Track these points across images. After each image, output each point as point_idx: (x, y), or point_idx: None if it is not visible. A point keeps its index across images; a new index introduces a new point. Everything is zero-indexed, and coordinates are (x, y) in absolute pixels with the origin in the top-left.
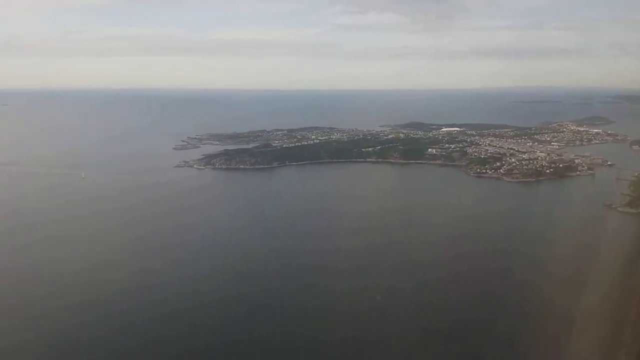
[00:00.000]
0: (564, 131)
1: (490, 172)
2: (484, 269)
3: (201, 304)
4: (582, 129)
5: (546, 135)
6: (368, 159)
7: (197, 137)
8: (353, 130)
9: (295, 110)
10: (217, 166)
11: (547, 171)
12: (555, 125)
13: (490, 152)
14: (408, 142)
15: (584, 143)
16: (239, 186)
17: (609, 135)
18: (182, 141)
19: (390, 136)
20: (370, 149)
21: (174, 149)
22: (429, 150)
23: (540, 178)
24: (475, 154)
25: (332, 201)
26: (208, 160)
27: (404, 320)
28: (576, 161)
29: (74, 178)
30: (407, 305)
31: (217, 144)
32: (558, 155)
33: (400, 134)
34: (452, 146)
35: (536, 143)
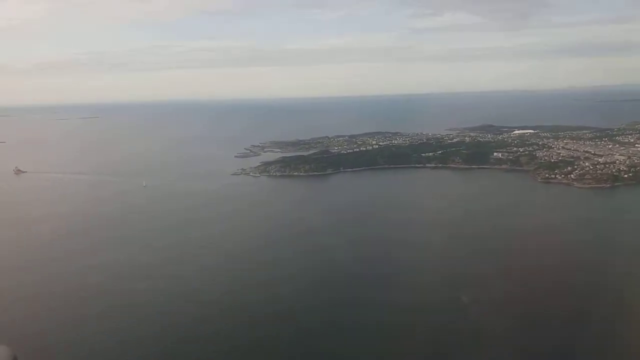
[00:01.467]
0: None
1: (559, 178)
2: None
3: None
4: None
5: (630, 137)
6: (428, 165)
7: (260, 144)
8: (417, 135)
9: (365, 116)
10: (272, 174)
11: (625, 176)
12: None
13: (562, 156)
14: (472, 146)
15: None
16: (285, 193)
17: None
18: (245, 149)
19: (454, 140)
20: (430, 153)
21: (235, 157)
22: (494, 154)
23: (617, 184)
24: (545, 158)
25: (370, 209)
26: (264, 167)
27: None
28: None
29: (136, 186)
30: None
31: (277, 152)
32: None
33: (466, 138)
34: (521, 150)
35: (617, 145)
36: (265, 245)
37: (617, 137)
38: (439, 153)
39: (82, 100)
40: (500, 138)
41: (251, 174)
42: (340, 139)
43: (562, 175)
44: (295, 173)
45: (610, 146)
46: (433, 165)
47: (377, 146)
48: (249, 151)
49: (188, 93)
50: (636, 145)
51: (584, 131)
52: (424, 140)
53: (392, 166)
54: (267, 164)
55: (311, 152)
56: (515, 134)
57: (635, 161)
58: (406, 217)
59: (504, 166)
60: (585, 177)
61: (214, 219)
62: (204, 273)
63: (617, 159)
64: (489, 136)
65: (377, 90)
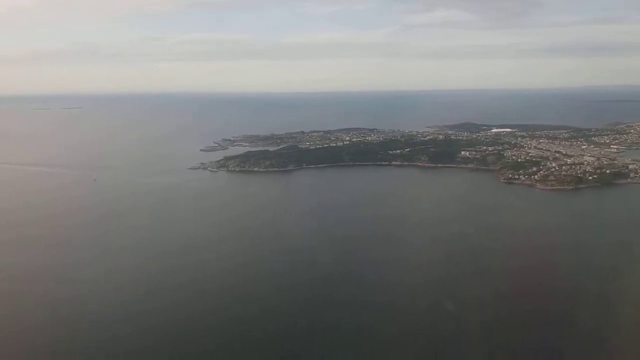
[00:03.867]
0: (630, 133)
1: (523, 178)
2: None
3: None
4: None
5: (606, 137)
6: (393, 162)
7: (232, 138)
8: (394, 132)
9: (351, 112)
10: (230, 169)
11: (590, 178)
12: (623, 126)
13: (531, 156)
14: (442, 145)
15: None
16: (232, 189)
17: None
18: (215, 142)
19: (427, 138)
20: (398, 151)
21: (201, 150)
22: (462, 153)
23: (580, 186)
24: (513, 157)
25: (311, 207)
26: (224, 162)
27: None
28: (630, 167)
29: (85, 179)
30: None
31: (246, 146)
32: (611, 159)
33: (440, 136)
34: (490, 149)
35: (592, 146)
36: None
37: (593, 138)
38: (407, 151)
39: (75, 91)
40: (474, 137)
41: (209, 168)
42: (315, 134)
43: (526, 176)
44: (255, 168)
45: (584, 147)
46: (399, 163)
47: (348, 142)
48: (217, 145)
49: (181, 86)
50: (611, 146)
51: (562, 130)
52: (399, 138)
53: (357, 163)
54: (228, 158)
55: (281, 147)
56: (492, 132)
57: (604, 162)
58: (343, 216)
59: (470, 165)
60: (549, 178)
61: (138, 213)
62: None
63: (586, 160)
64: (465, 134)
65: (369, 86)
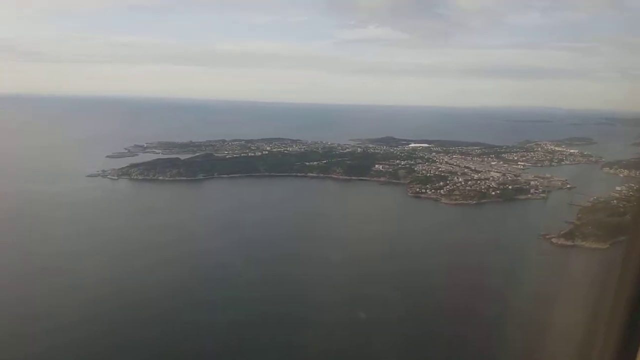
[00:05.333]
0: (538, 151)
1: (429, 193)
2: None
3: None
4: (558, 149)
5: (515, 155)
6: (309, 174)
7: (146, 144)
8: (316, 143)
9: (280, 122)
10: (133, 177)
11: (493, 193)
12: (533, 144)
13: (441, 170)
14: (359, 157)
15: (553, 164)
16: (118, 201)
17: (583, 156)
18: (125, 149)
19: (347, 150)
20: (315, 163)
21: (108, 157)
22: (376, 166)
23: (483, 201)
24: (423, 172)
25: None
26: (127, 170)
27: None
28: (532, 182)
29: None
30: None
31: (158, 153)
32: (515, 175)
33: (358, 149)
34: (404, 163)
35: (501, 162)
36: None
37: (503, 155)
38: (323, 163)
39: None
40: (391, 151)
41: (109, 176)
42: (236, 143)
43: (433, 191)
44: (161, 177)
45: (494, 163)
46: (315, 175)
47: (266, 152)
48: (127, 151)
49: (107, 88)
50: (518, 162)
51: (475, 147)
52: (319, 150)
53: (272, 174)
54: (133, 165)
55: (197, 154)
56: (410, 147)
57: (508, 178)
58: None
59: (382, 178)
60: (454, 193)
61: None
62: None
63: (492, 176)
64: (385, 148)
65: (302, 98)
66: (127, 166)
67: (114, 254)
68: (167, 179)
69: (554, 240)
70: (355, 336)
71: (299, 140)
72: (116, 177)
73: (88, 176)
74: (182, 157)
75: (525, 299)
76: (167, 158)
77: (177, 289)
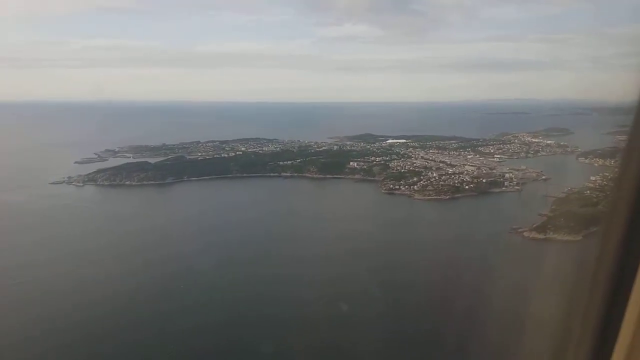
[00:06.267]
0: (514, 143)
1: (403, 189)
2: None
3: None
4: (535, 141)
5: (491, 147)
6: (283, 174)
7: (117, 149)
8: (292, 142)
9: (258, 121)
10: (99, 183)
11: (467, 187)
12: (510, 137)
13: (416, 166)
14: (333, 155)
15: (529, 155)
16: (88, 208)
17: (560, 147)
18: (95, 154)
19: (322, 148)
20: (289, 162)
21: (76, 162)
22: (351, 163)
23: (456, 195)
24: (397, 168)
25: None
26: (93, 176)
27: None
28: (506, 175)
29: None
30: None
31: (129, 157)
32: (490, 169)
33: (335, 147)
34: (378, 159)
35: (477, 155)
36: None
37: (480, 148)
38: (298, 162)
39: None
40: (368, 147)
41: (74, 183)
42: (210, 144)
43: (407, 187)
44: (127, 182)
45: (470, 156)
46: (288, 174)
47: (240, 153)
48: (96, 156)
49: (85, 93)
50: (494, 155)
51: (452, 141)
52: (295, 149)
53: (245, 175)
54: (100, 171)
55: (168, 157)
56: (387, 143)
57: (482, 172)
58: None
59: (357, 176)
60: (427, 188)
61: None
62: None
63: (466, 170)
64: (362, 145)
65: (283, 97)
66: (94, 172)
67: (68, 265)
68: (134, 183)
69: (525, 233)
70: (331, 332)
71: (275, 139)
72: (81, 184)
73: (52, 183)
74: (153, 160)
75: (494, 295)
76: (136, 162)
77: (141, 296)
